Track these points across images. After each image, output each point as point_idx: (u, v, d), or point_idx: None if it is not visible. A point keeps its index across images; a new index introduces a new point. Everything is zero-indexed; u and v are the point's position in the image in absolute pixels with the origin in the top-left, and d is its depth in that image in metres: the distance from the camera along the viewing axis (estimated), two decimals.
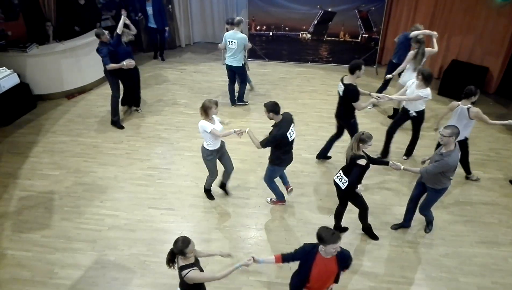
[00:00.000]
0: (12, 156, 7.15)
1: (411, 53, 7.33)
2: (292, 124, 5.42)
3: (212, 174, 6.03)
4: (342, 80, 6.23)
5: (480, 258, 5.41)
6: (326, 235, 3.59)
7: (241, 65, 8.21)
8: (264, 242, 5.62)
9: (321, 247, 3.69)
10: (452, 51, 9.33)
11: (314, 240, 5.61)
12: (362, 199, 5.29)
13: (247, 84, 8.89)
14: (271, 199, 6.22)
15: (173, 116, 8.31)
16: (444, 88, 8.94)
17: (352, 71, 6.08)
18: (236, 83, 8.74)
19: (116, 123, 7.92)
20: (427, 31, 7.48)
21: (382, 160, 6.11)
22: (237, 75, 8.43)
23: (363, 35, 10.02)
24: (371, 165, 5.05)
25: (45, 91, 8.70)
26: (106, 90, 8.66)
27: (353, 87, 6.08)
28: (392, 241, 5.64)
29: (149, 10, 9.84)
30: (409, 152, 7.11)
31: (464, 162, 6.44)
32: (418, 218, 5.76)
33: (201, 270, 3.92)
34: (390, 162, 5.21)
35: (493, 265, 5.33)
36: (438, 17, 9.17)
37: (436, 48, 7.46)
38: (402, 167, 5.09)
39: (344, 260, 3.87)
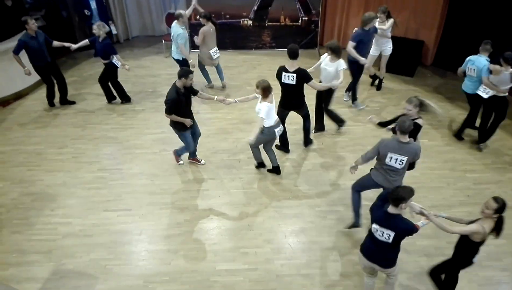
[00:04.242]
0: None
1: None
2: None
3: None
4: (286, 70, 6.15)
5: None
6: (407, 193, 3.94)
7: (180, 58, 8.05)
8: (228, 231, 5.58)
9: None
10: None
11: (277, 223, 5.66)
12: None
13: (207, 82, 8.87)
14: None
15: (118, 114, 8.03)
16: None
17: (296, 56, 6.09)
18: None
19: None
20: None
21: None
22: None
23: (303, 18, 10.14)
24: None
25: None
26: (43, 93, 8.22)
27: (303, 69, 6.16)
28: (351, 215, 5.79)
29: (93, 4, 9.50)
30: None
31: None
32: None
33: None
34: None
35: None
36: None
37: None
38: None
39: None
